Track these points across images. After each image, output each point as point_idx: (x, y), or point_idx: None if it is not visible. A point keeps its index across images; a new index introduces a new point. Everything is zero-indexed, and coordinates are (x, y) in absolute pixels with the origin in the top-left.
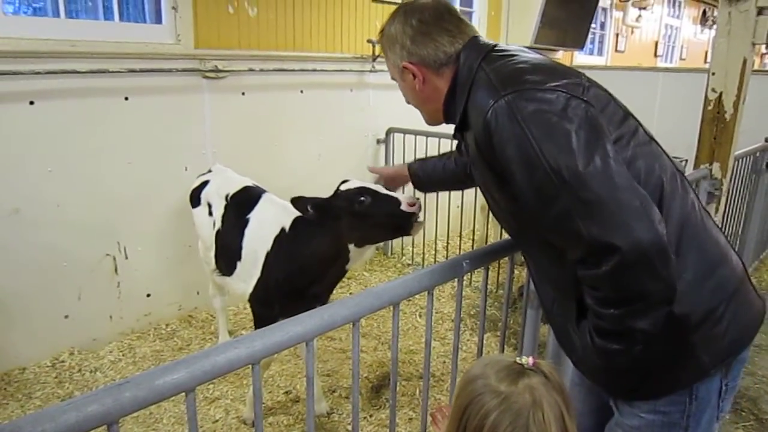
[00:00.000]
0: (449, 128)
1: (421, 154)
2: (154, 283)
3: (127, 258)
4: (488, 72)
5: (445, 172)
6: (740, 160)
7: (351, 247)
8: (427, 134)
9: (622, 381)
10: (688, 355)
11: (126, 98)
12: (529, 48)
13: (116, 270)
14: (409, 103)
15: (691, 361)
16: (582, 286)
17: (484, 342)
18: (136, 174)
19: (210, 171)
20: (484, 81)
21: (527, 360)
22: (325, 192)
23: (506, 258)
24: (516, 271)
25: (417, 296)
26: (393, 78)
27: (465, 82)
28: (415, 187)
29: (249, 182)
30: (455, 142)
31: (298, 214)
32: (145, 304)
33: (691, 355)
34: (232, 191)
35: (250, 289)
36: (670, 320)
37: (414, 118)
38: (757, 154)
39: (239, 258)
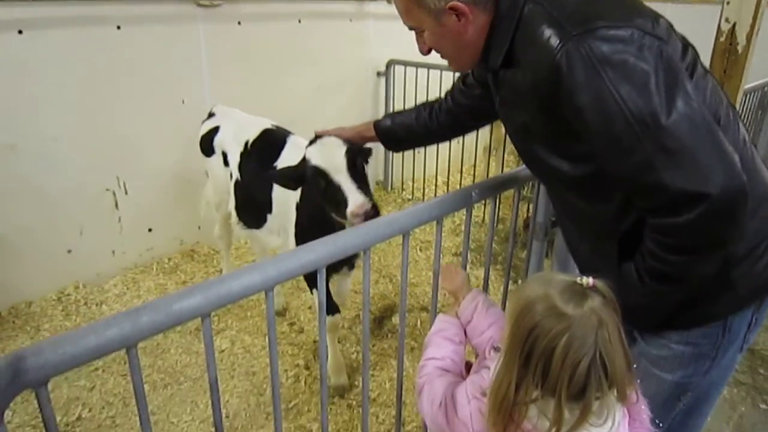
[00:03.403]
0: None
1: (422, 87)
2: (155, 218)
3: (126, 193)
4: (547, 6)
5: (418, 125)
6: (748, 95)
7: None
8: (429, 66)
9: (658, 316)
10: (727, 289)
11: (118, 27)
12: None
13: (116, 205)
14: (427, 53)
15: (730, 294)
16: (643, 229)
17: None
18: (131, 106)
19: (213, 114)
20: (544, 16)
21: (587, 281)
22: (325, 125)
23: (507, 192)
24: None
25: (417, 230)
26: (412, 28)
27: (510, 15)
28: (385, 146)
29: (268, 124)
30: (457, 75)
31: None
32: (147, 239)
33: (730, 290)
34: (251, 137)
35: (291, 245)
36: None
37: (416, 50)
38: (766, 89)
39: (270, 211)
